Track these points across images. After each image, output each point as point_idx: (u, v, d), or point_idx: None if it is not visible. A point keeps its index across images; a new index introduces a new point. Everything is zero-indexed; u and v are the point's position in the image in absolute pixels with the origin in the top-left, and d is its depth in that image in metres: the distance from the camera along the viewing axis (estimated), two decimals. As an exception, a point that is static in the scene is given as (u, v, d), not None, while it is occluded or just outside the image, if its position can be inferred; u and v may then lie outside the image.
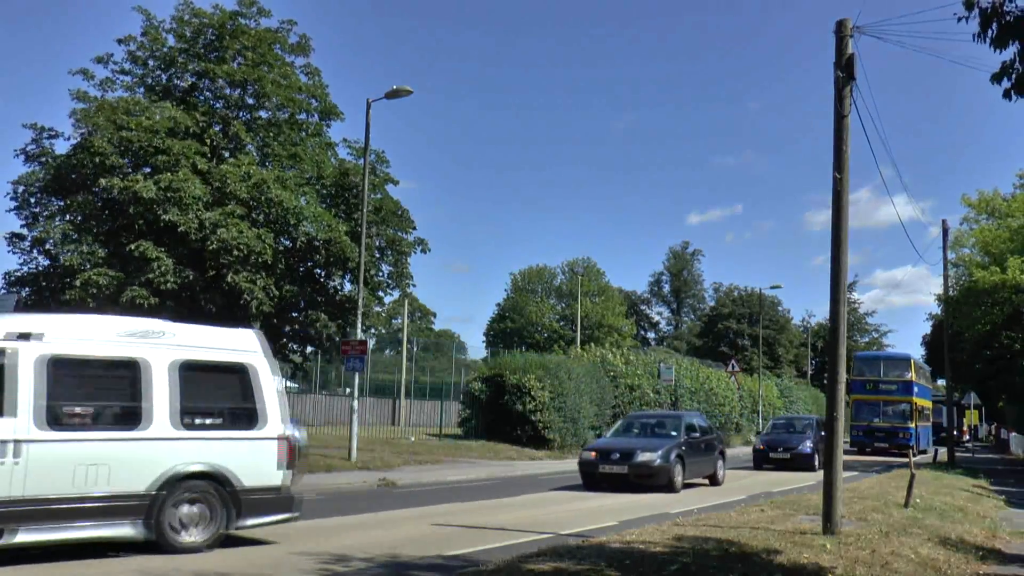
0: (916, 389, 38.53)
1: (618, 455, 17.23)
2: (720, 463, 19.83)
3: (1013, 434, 48.05)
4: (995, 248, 29.31)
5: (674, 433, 18.44)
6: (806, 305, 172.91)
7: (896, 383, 38.34)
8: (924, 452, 38.73)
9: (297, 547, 9.26)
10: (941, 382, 62.96)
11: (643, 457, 16.93)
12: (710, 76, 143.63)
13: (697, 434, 19.00)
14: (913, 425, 37.32)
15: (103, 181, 21.62)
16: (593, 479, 17.30)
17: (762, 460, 25.88)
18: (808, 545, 9.26)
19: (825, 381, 11.90)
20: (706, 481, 19.45)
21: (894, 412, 37.84)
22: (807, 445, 25.47)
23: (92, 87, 24.34)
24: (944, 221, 32.91)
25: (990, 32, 6.49)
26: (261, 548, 9.19)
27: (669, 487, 16.89)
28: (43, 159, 24.02)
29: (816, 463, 24.86)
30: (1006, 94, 6.74)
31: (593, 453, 17.69)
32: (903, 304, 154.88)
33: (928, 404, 44.77)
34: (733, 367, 47.66)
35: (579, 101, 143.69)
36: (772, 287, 59.24)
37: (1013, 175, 41.08)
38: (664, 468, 16.88)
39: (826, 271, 10.99)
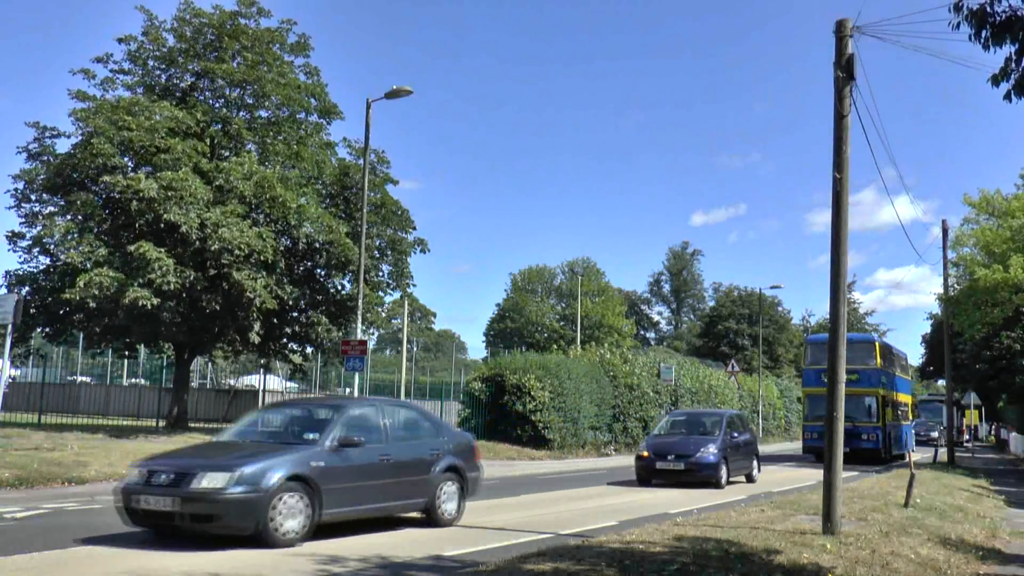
0: (884, 379, 31.81)
1: (169, 475, 9.30)
2: (449, 488, 11.43)
3: (1013, 434, 48.05)
4: (997, 247, 29.30)
5: (312, 436, 10.21)
6: (806, 305, 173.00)
7: (857, 372, 30.66)
8: (899, 457, 32.74)
9: (294, 547, 9.25)
10: (941, 382, 63.01)
11: (205, 482, 9.06)
12: (716, 77, 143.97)
13: (359, 437, 10.31)
14: (880, 424, 30.70)
15: (106, 179, 21.64)
16: (133, 515, 9.37)
17: (649, 472, 18.98)
18: (808, 545, 9.25)
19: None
20: (417, 516, 11.46)
21: (856, 408, 30.21)
22: (710, 451, 18.78)
23: (92, 87, 24.40)
24: (944, 221, 32.99)
25: (984, 34, 6.49)
26: (258, 548, 9.17)
27: (263, 538, 9.13)
28: (44, 157, 24.06)
29: (723, 476, 18.82)
30: (1006, 96, 6.73)
31: (139, 472, 9.62)
32: (905, 304, 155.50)
33: (905, 399, 37.25)
34: (733, 367, 47.65)
35: (583, 102, 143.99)
36: (772, 287, 59.37)
37: (1015, 174, 41.14)
38: (247, 503, 9.02)
39: (826, 271, 11.03)
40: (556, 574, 7.38)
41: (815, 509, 12.31)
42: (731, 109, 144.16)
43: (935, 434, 50.89)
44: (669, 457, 18.80)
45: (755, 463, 21.38)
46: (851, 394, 31.72)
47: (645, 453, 19.35)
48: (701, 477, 18.58)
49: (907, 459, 16.54)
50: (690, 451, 18.85)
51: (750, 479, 20.94)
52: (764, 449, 39.01)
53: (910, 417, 39.73)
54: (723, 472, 18.83)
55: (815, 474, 23.30)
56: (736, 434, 20.48)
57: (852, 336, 39.88)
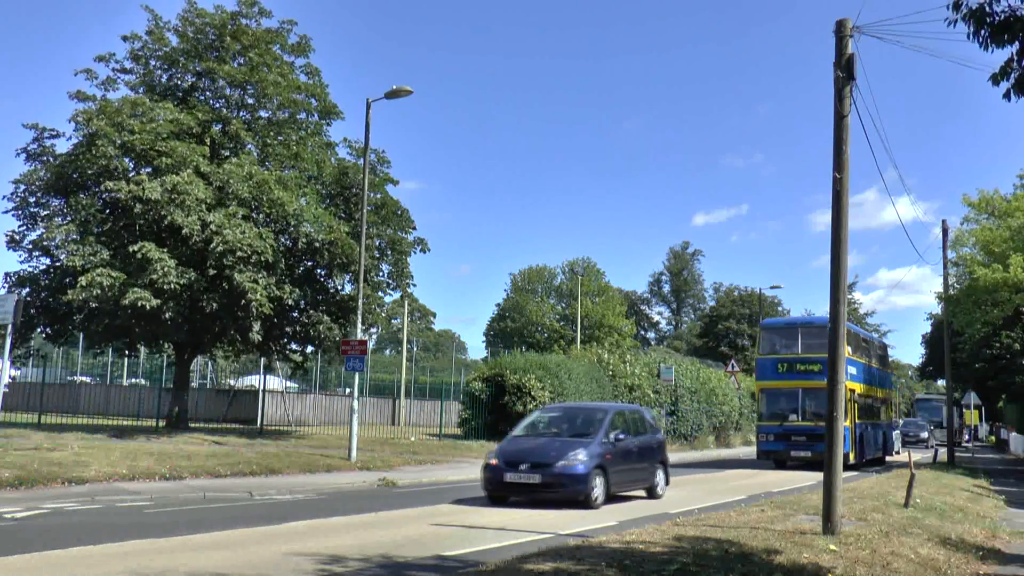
0: (852, 370, 26.49)
1: None
2: None
3: (1013, 434, 48.04)
4: (996, 247, 29.36)
5: None
6: (806, 305, 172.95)
7: (819, 361, 25.43)
8: (875, 462, 29.59)
9: (296, 547, 9.26)
10: (941, 382, 63.01)
11: None
12: (720, 78, 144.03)
13: None
14: (848, 423, 25.24)
15: (109, 184, 21.65)
16: None
17: (497, 487, 14.20)
18: (808, 545, 9.26)
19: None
20: None
21: (818, 404, 25.52)
22: (578, 459, 13.79)
23: (94, 86, 24.45)
24: (944, 221, 33.06)
25: (982, 33, 6.50)
26: (260, 547, 9.18)
27: None
28: (44, 158, 24.07)
29: (597, 492, 13.92)
30: (1006, 95, 6.74)
31: None
32: (907, 304, 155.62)
33: (882, 394, 32.08)
34: (733, 367, 47.66)
35: (586, 102, 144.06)
36: (772, 287, 59.47)
37: (1014, 175, 41.16)
38: None
39: (827, 271, 10.98)
40: (556, 574, 7.38)
41: (815, 509, 12.31)
42: (734, 110, 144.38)
43: (925, 435, 49.59)
44: (522, 467, 13.88)
45: (660, 475, 16.27)
46: (810, 388, 25.98)
47: (494, 460, 14.24)
48: (565, 494, 13.74)
49: (910, 458, 16.43)
50: (549, 459, 13.86)
51: (652, 494, 15.99)
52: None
53: (891, 415, 35.76)
54: (596, 487, 13.92)
55: (768, 480, 22.02)
56: (624, 435, 15.32)
57: (811, 319, 31.63)
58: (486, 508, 13.80)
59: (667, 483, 16.75)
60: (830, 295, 11.18)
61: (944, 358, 35.44)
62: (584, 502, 13.80)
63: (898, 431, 40.81)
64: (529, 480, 13.85)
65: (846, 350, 25.78)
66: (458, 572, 8.03)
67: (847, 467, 24.85)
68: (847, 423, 25.25)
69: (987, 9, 6.42)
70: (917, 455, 28.03)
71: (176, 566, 7.96)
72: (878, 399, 31.44)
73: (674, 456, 31.13)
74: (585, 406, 18.62)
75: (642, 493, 16.15)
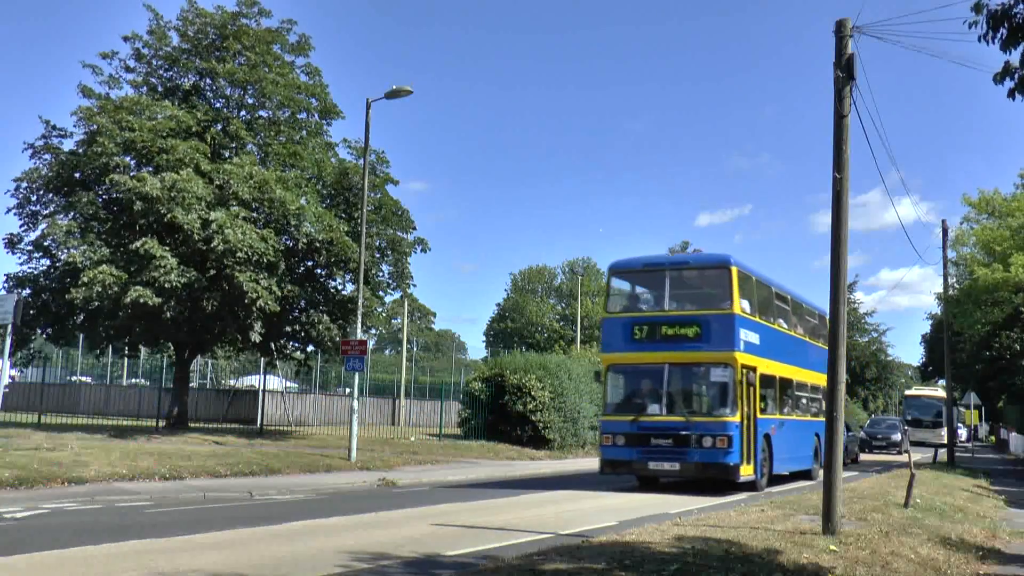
0: (753, 337, 17.90)
1: None
2: None
3: (1013, 434, 48.03)
4: (996, 247, 29.40)
5: None
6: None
7: (696, 321, 17.44)
8: (783, 479, 20.17)
9: (298, 547, 9.26)
10: (941, 382, 62.99)
11: None
12: (726, 78, 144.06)
13: None
14: (739, 418, 16.80)
15: (114, 177, 21.68)
16: None
17: None
18: (808, 545, 9.26)
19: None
20: None
21: (692, 389, 17.92)
22: None
23: (98, 84, 24.52)
24: (944, 221, 33.09)
25: (1000, 33, 6.51)
26: (261, 548, 9.18)
27: None
28: (47, 156, 24.11)
29: None
30: (1010, 94, 6.76)
31: None
32: (907, 304, 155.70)
33: (807, 377, 21.76)
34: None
35: (590, 101, 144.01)
36: (772, 287, 59.24)
37: (1014, 174, 41.17)
38: None
39: (828, 272, 10.95)
40: (557, 574, 7.39)
41: (815, 509, 12.30)
42: (741, 110, 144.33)
43: (897, 436, 41.54)
44: None
45: None
46: (680, 363, 17.31)
47: None
48: None
49: (909, 458, 16.36)
50: None
51: None
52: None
53: (815, 411, 21.99)
54: None
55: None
56: None
57: (683, 258, 19.95)
58: (486, 508, 13.77)
59: None
60: (830, 295, 11.18)
61: (944, 358, 35.43)
62: None
63: (861, 433, 36.87)
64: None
65: (739, 306, 17.27)
66: (460, 572, 8.03)
67: (734, 485, 17.24)
68: (736, 418, 16.81)
69: (1010, 12, 6.43)
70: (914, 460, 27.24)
71: (177, 566, 7.96)
72: (803, 385, 21.60)
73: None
74: None
75: None
